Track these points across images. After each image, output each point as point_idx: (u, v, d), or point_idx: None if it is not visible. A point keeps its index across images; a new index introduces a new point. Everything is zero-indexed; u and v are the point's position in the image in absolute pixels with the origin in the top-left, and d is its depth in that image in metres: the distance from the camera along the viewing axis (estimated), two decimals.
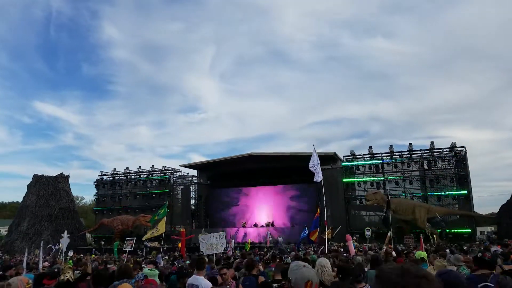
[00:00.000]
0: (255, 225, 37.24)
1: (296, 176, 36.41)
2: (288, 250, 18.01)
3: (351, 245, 8.20)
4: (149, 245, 27.95)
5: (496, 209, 32.63)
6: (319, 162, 11.42)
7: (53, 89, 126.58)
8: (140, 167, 43.98)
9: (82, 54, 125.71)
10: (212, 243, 7.50)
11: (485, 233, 34.89)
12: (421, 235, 11.20)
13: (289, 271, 2.66)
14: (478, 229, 33.41)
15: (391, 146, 34.12)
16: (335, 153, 36.48)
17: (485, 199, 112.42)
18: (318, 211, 14.45)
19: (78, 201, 65.37)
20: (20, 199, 45.55)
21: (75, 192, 57.02)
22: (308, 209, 36.25)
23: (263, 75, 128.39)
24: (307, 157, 12.14)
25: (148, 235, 16.83)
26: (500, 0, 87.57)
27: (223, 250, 8.84)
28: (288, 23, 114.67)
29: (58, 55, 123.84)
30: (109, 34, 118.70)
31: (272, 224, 36.67)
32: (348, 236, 8.99)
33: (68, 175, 46.13)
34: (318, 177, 11.13)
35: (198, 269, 5.52)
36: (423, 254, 6.82)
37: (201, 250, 8.29)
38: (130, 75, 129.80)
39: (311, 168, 10.88)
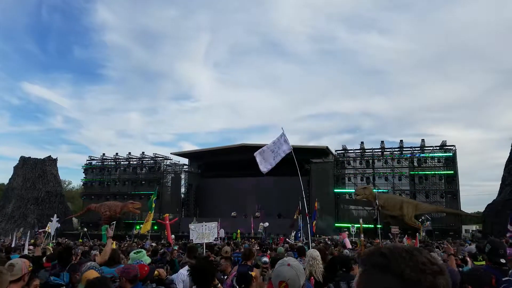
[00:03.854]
0: (244, 216, 37.25)
1: (287, 168, 36.39)
2: (277, 241, 18.05)
3: (348, 241, 8.15)
4: (136, 233, 27.78)
5: (482, 208, 33.24)
6: (285, 151, 7.77)
7: (43, 71, 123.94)
8: (130, 153, 43.53)
9: (74, 36, 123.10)
10: (203, 232, 7.39)
11: (470, 231, 35.51)
12: (417, 234, 11.24)
13: (275, 266, 2.45)
14: (464, 227, 33.99)
15: (382, 142, 34.39)
16: (327, 147, 36.58)
17: (472, 198, 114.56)
18: (316, 204, 14.60)
19: (65, 185, 64.60)
20: (6, 181, 44.91)
21: (62, 176, 56.35)
22: (297, 201, 36.36)
23: (257, 66, 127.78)
24: (298, 150, 11.86)
25: (144, 227, 16.56)
26: (495, 1, 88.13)
27: (213, 240, 8.73)
28: (285, 14, 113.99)
29: (50, 36, 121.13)
30: (103, 18, 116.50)
31: (257, 216, 36.70)
32: (344, 234, 8.80)
33: (56, 158, 45.57)
34: (266, 166, 7.60)
35: (190, 257, 5.47)
36: None
37: (190, 239, 8.19)
38: (122, 60, 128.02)
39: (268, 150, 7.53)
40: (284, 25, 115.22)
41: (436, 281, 0.83)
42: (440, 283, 0.83)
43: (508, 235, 10.25)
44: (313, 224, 14.51)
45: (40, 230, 26.56)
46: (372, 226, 15.17)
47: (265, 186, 39.56)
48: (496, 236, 20.32)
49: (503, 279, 3.22)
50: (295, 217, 17.18)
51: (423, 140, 33.29)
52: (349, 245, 7.65)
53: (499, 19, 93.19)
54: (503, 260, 3.47)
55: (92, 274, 3.66)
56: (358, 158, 34.42)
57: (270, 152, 7.89)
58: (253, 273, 4.60)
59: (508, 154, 30.64)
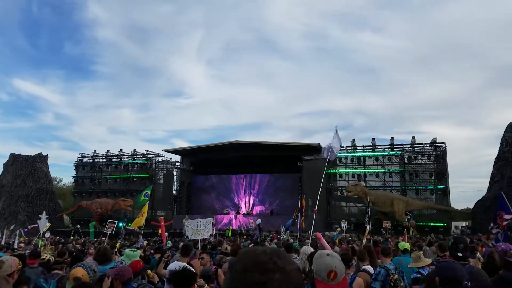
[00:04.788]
0: (237, 213, 37.35)
1: (280, 165, 36.58)
2: (270, 237, 18.12)
3: (324, 242, 7.93)
4: (127, 229, 27.56)
5: (471, 205, 33.65)
6: (337, 146, 10.25)
7: (34, 67, 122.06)
8: (121, 150, 43.22)
9: (65, 32, 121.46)
10: (198, 229, 7.37)
11: (460, 227, 35.98)
12: (405, 230, 11.38)
13: (313, 261, 2.50)
14: (453, 223, 34.43)
15: (373, 139, 34.64)
16: (319, 144, 36.68)
17: (462, 195, 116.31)
18: (304, 201, 14.68)
19: (56, 182, 63.90)
20: None
21: (53, 173, 55.76)
22: (290, 198, 36.62)
23: (251, 63, 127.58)
24: (290, 147, 11.93)
25: (136, 222, 16.46)
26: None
27: (208, 236, 8.72)
28: (279, 11, 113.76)
29: (41, 32, 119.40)
30: (95, 13, 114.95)
31: (251, 213, 36.84)
32: (318, 234, 8.50)
33: (47, 155, 45.03)
34: (327, 154, 10.14)
35: (183, 255, 5.46)
36: (406, 245, 6.83)
37: (186, 235, 8.18)
38: (114, 56, 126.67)
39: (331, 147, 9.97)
40: (278, 22, 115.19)
41: (263, 277, 0.90)
42: (270, 279, 0.90)
43: (494, 231, 10.37)
44: (302, 221, 14.58)
45: (30, 227, 26.23)
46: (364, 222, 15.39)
47: (257, 183, 39.65)
48: (486, 232, 20.64)
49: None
50: (294, 215, 17.31)
51: (413, 137, 33.62)
52: (327, 246, 7.39)
53: (491, 17, 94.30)
54: (460, 254, 3.73)
55: (79, 271, 3.60)
56: (350, 155, 34.66)
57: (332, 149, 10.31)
58: None
59: (497, 152, 31.07)
